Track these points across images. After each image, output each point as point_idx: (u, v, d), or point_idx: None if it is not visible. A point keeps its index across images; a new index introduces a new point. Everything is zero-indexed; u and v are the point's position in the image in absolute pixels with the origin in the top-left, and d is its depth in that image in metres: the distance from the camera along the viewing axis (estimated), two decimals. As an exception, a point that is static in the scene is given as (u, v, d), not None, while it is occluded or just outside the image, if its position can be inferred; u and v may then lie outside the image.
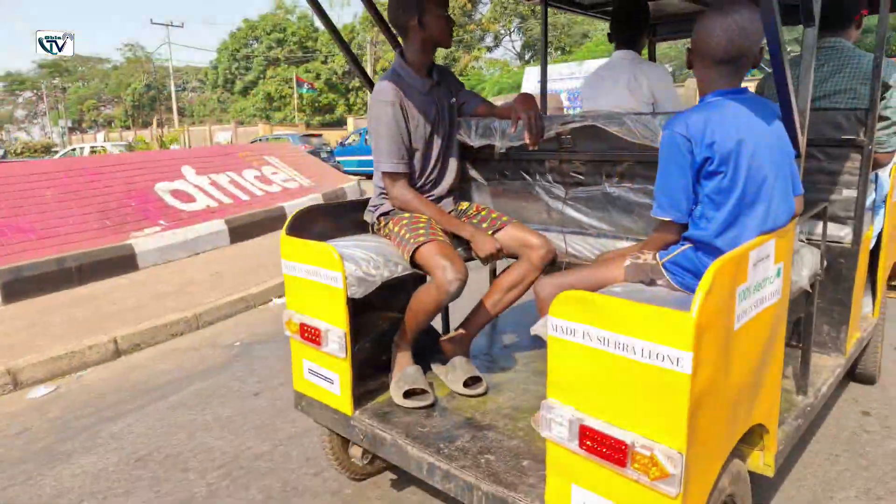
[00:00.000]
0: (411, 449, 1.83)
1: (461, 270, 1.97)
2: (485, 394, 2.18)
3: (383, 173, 2.24)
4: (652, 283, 1.68)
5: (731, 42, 1.50)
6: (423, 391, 2.11)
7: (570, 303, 1.34)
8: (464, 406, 2.10)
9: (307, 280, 1.99)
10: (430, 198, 2.36)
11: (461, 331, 2.31)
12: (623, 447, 1.27)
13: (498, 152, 2.50)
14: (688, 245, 1.62)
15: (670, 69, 26.82)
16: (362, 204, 2.45)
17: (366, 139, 20.43)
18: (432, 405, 2.09)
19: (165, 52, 51.34)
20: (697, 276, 1.55)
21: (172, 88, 44.34)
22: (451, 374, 2.23)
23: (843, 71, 2.33)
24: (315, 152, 16.00)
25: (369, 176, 17.41)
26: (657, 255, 1.68)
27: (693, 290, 1.28)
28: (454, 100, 2.45)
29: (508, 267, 2.27)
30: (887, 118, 2.28)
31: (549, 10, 3.46)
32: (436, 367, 2.33)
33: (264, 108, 44.02)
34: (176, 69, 57.01)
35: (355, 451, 2.27)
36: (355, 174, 14.63)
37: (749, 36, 1.49)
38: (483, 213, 2.39)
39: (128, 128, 47.70)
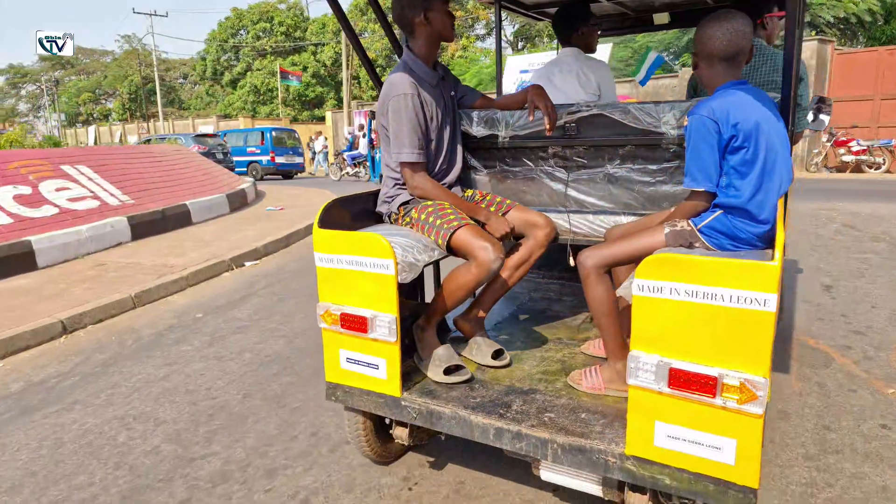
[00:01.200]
0: (475, 418, 1.91)
1: (501, 249, 2.10)
2: (510, 364, 2.31)
3: (404, 163, 2.28)
4: (690, 246, 1.86)
5: (731, 42, 1.80)
6: (460, 367, 2.19)
7: (657, 265, 1.54)
8: (498, 377, 2.21)
9: (349, 270, 2.01)
10: (443, 185, 2.42)
11: (476, 310, 2.42)
12: (712, 381, 1.49)
13: (502, 141, 2.62)
14: (719, 211, 1.83)
15: (668, 57, 24.63)
16: (373, 195, 2.50)
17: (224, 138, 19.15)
18: (471, 379, 2.17)
19: (159, 43, 49.69)
20: (731, 237, 1.81)
21: (157, 80, 42.75)
22: (476, 350, 2.34)
23: (763, 66, 2.96)
24: (209, 153, 14.13)
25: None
26: (690, 221, 1.88)
27: (726, 249, 1.80)
28: (453, 93, 2.55)
29: (515, 246, 2.39)
30: (799, 105, 2.73)
31: (518, 6, 3.59)
32: (457, 348, 2.37)
33: (253, 101, 41.98)
34: (181, 62, 55.52)
35: (400, 432, 2.27)
36: None
37: (744, 36, 1.81)
38: (488, 198, 2.51)
39: (126, 121, 46.06)
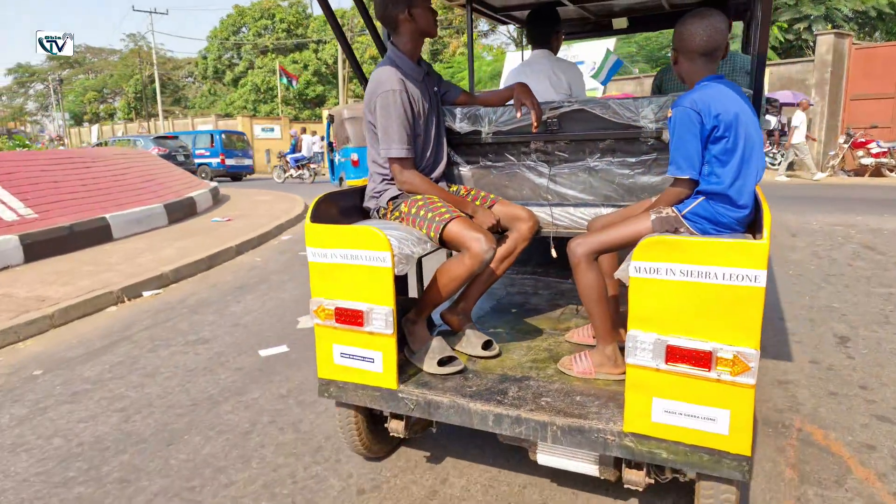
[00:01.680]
0: (473, 405, 1.94)
1: (493, 240, 2.15)
2: (500, 354, 2.36)
3: (393, 159, 2.30)
4: (676, 231, 1.93)
5: (710, 38, 1.90)
6: (453, 358, 2.20)
7: (654, 247, 1.62)
8: (490, 367, 2.25)
9: (344, 264, 2.02)
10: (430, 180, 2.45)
11: (463, 303, 2.46)
12: (707, 355, 1.58)
13: (485, 137, 2.66)
14: (702, 198, 1.91)
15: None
16: (359, 192, 2.51)
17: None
18: (465, 370, 2.20)
19: (165, 41, 49.23)
20: (713, 222, 1.90)
21: (157, 79, 42.19)
22: (466, 342, 2.37)
23: (723, 67, 3.12)
24: (170, 155, 13.49)
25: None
26: (674, 208, 1.95)
27: (709, 234, 1.88)
28: (436, 89, 2.55)
29: (500, 240, 2.40)
30: None
31: (487, 9, 3.70)
32: (447, 340, 2.37)
33: (254, 100, 41.11)
34: (187, 60, 54.93)
35: (396, 425, 2.24)
36: None
37: (721, 32, 1.90)
38: (472, 193, 2.53)
39: (131, 120, 45.36)
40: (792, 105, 15.16)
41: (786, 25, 19.40)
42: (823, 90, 15.32)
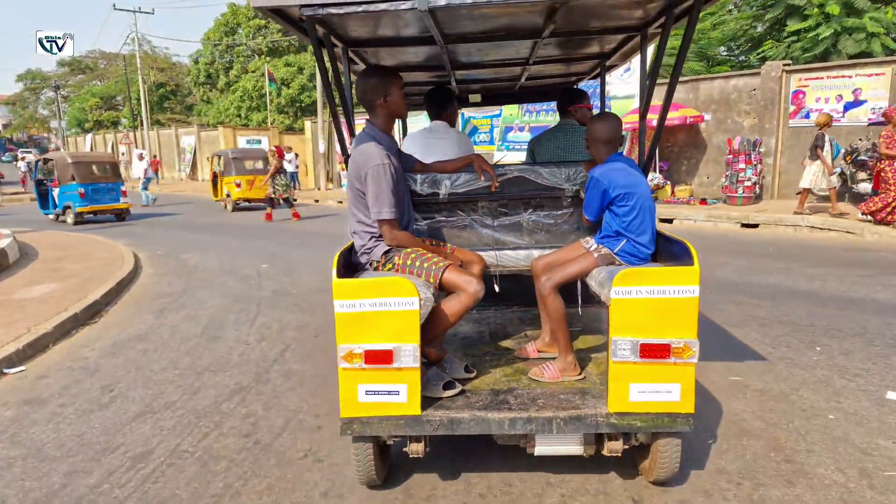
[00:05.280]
0: (491, 415, 2.41)
1: (481, 281, 2.71)
2: (478, 375, 2.84)
3: (384, 220, 2.75)
4: (611, 263, 2.82)
5: (612, 131, 2.95)
6: (452, 382, 2.63)
7: (628, 277, 2.30)
8: (476, 385, 2.72)
9: (373, 312, 2.34)
10: None
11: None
12: (667, 347, 2.29)
13: (443, 197, 3.48)
14: (624, 240, 2.84)
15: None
16: (346, 251, 2.80)
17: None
18: (464, 391, 2.63)
19: (170, 45, 45.54)
20: (635, 256, 2.84)
21: (141, 84, 38.21)
22: (450, 368, 2.81)
23: (579, 141, 3.77)
24: None
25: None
26: (608, 248, 2.88)
27: (634, 264, 2.78)
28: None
29: None
30: None
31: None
32: (431, 371, 2.70)
33: (248, 107, 36.64)
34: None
35: (416, 448, 2.54)
36: None
37: (619, 129, 2.98)
38: (434, 243, 3.11)
39: (135, 128, 41.38)
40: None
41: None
42: None
